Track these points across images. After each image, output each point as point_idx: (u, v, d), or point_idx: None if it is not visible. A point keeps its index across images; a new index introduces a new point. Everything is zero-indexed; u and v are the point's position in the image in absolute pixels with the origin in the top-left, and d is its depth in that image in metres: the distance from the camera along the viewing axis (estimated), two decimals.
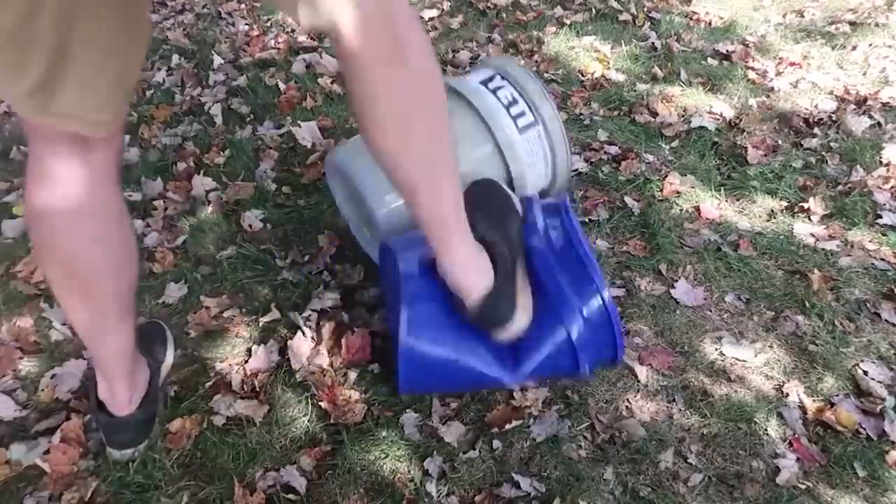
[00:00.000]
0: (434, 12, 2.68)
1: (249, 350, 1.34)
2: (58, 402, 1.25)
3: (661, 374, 1.31)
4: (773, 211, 1.70)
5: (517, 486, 1.11)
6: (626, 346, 1.34)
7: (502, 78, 1.41)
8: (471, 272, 1.02)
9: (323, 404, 1.22)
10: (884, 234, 1.61)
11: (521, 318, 1.07)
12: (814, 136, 1.95)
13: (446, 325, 1.12)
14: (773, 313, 1.43)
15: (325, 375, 1.27)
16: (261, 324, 1.40)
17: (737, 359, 1.34)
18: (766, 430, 1.22)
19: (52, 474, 1.12)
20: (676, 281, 1.49)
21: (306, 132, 1.92)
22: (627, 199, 1.71)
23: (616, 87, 2.18)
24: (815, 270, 1.50)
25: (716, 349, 1.36)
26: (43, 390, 1.27)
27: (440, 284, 1.06)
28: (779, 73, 2.27)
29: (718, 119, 2.03)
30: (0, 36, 0.74)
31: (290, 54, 2.41)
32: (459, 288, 1.03)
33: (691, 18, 2.65)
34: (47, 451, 1.14)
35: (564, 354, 1.12)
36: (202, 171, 1.82)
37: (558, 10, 2.66)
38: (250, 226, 1.63)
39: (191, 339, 1.38)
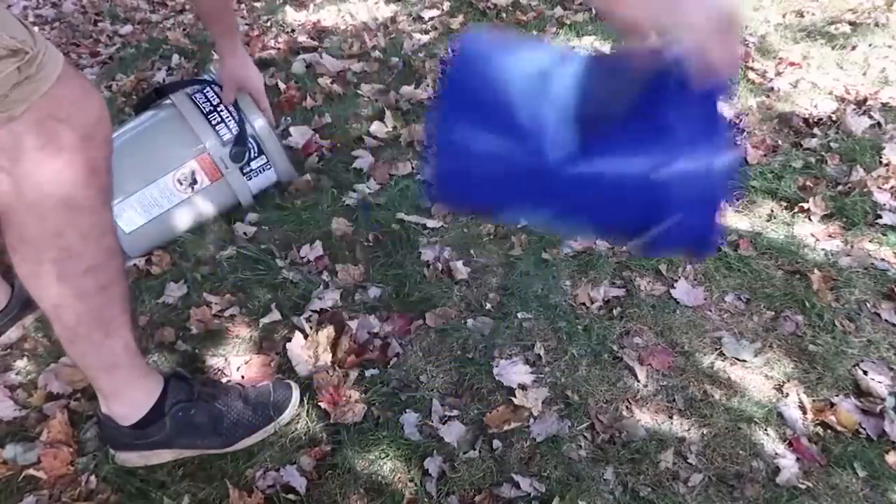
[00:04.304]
0: (434, 12, 2.68)
1: (249, 350, 1.35)
2: (48, 401, 1.24)
3: (661, 374, 1.31)
4: (773, 211, 1.70)
5: (517, 486, 1.11)
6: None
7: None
8: None
9: (323, 404, 1.22)
10: (884, 234, 1.61)
11: None
12: (814, 136, 1.95)
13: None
14: (773, 313, 1.43)
15: (324, 375, 1.27)
16: (261, 324, 1.40)
17: (737, 359, 1.34)
18: (766, 430, 1.22)
19: (49, 479, 1.11)
20: (676, 281, 1.49)
21: (298, 136, 1.92)
22: None
23: None
24: (815, 270, 1.50)
25: (716, 349, 1.36)
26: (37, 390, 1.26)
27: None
28: (779, 74, 2.27)
29: None
30: None
31: (290, 54, 2.41)
32: None
33: None
34: (38, 461, 1.13)
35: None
36: None
37: (558, 10, 2.65)
38: (250, 224, 1.63)
39: (192, 336, 1.38)
